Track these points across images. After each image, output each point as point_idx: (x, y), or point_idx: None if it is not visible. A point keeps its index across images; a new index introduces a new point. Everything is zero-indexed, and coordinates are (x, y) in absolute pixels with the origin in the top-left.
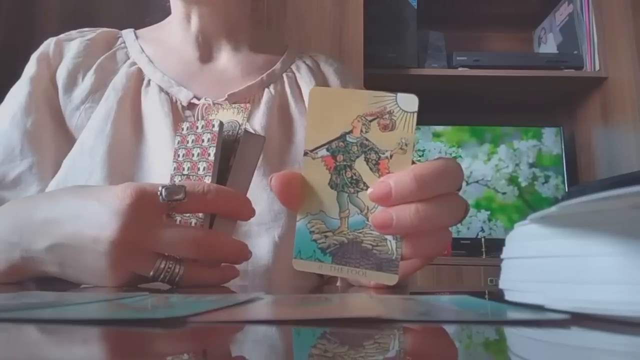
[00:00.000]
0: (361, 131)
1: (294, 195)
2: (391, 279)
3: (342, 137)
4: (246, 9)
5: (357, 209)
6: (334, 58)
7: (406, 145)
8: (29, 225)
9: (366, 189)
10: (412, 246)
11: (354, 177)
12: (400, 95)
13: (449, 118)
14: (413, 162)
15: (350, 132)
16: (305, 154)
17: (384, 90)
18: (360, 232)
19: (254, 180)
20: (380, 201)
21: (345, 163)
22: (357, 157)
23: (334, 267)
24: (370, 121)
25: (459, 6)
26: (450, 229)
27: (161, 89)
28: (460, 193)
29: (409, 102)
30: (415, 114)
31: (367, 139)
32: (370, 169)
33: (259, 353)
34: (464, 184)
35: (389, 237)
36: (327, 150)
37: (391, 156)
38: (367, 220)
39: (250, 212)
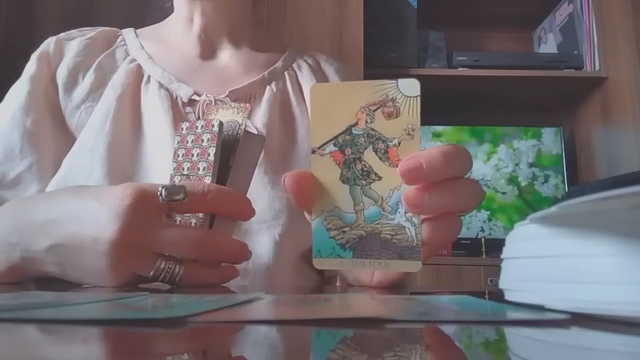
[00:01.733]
0: (366, 122)
1: (308, 195)
2: (415, 266)
3: (347, 130)
4: (247, 9)
5: (371, 201)
6: (335, 58)
7: (413, 130)
8: (28, 226)
9: (378, 180)
10: (430, 231)
11: (365, 169)
12: (401, 80)
13: (449, 118)
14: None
15: (356, 124)
16: (313, 151)
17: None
18: (377, 224)
19: (255, 178)
20: (412, 174)
21: (354, 156)
22: (366, 148)
23: (355, 261)
24: (374, 111)
25: (459, 6)
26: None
27: (161, 85)
28: None
29: (410, 86)
30: (419, 98)
31: (373, 129)
32: (380, 158)
33: (259, 353)
34: None
35: (408, 225)
36: (335, 145)
37: (399, 143)
38: (383, 211)
39: (250, 212)
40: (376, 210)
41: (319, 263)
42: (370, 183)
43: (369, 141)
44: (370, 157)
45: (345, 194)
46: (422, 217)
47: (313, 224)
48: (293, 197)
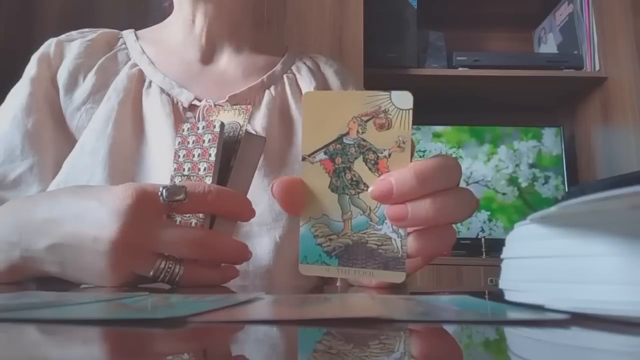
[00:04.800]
0: (357, 132)
1: (296, 201)
2: (399, 277)
3: (339, 140)
4: (249, 10)
5: (359, 210)
6: (334, 59)
7: (404, 143)
8: (29, 225)
9: (367, 190)
10: (417, 243)
11: (354, 179)
12: (394, 93)
13: (449, 118)
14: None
15: (347, 133)
16: (303, 159)
17: (382, 89)
18: (364, 233)
19: (255, 180)
20: (382, 199)
21: (344, 165)
22: (356, 158)
23: (340, 269)
24: (366, 121)
25: (459, 6)
26: (454, 227)
27: (162, 91)
28: None
29: (403, 99)
30: (411, 111)
31: (364, 140)
32: (370, 169)
33: (259, 353)
34: (464, 184)
35: (394, 236)
36: (325, 153)
37: (389, 155)
38: (370, 221)
39: (251, 213)
40: (364, 219)
41: (304, 269)
42: (359, 193)
43: (360, 151)
44: (360, 167)
45: (334, 202)
46: (413, 228)
47: (300, 230)
48: (280, 203)
